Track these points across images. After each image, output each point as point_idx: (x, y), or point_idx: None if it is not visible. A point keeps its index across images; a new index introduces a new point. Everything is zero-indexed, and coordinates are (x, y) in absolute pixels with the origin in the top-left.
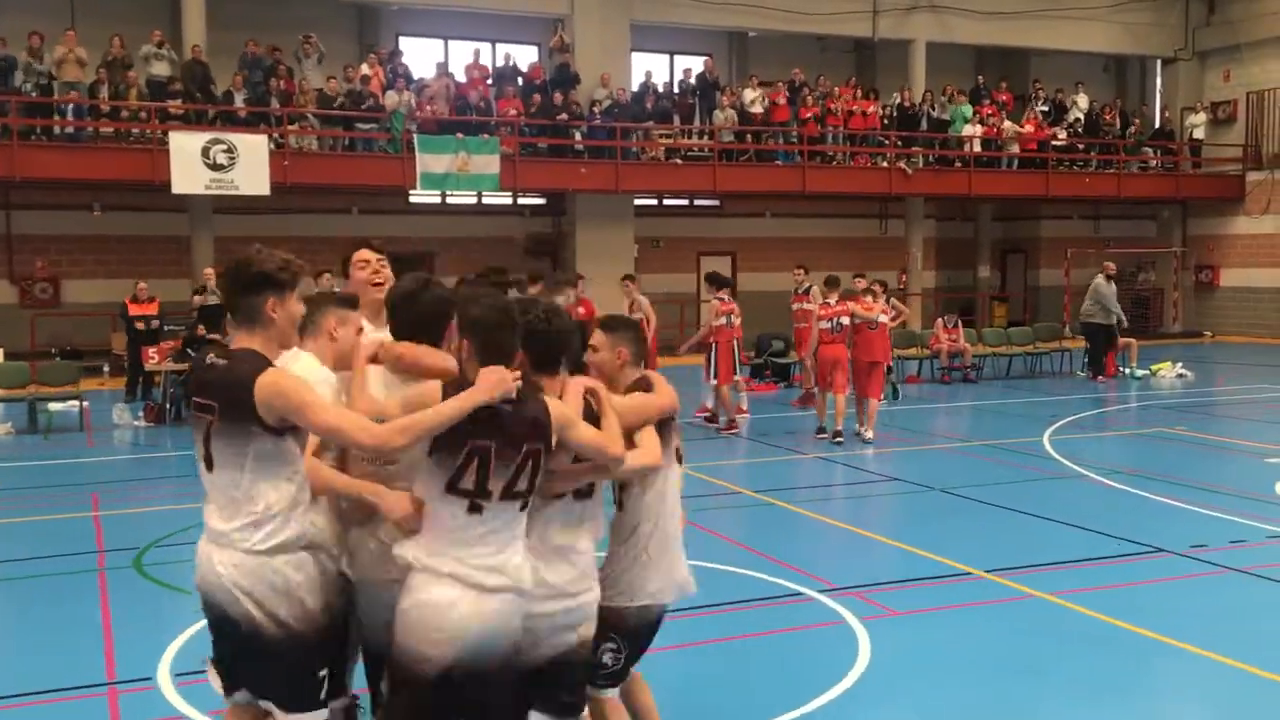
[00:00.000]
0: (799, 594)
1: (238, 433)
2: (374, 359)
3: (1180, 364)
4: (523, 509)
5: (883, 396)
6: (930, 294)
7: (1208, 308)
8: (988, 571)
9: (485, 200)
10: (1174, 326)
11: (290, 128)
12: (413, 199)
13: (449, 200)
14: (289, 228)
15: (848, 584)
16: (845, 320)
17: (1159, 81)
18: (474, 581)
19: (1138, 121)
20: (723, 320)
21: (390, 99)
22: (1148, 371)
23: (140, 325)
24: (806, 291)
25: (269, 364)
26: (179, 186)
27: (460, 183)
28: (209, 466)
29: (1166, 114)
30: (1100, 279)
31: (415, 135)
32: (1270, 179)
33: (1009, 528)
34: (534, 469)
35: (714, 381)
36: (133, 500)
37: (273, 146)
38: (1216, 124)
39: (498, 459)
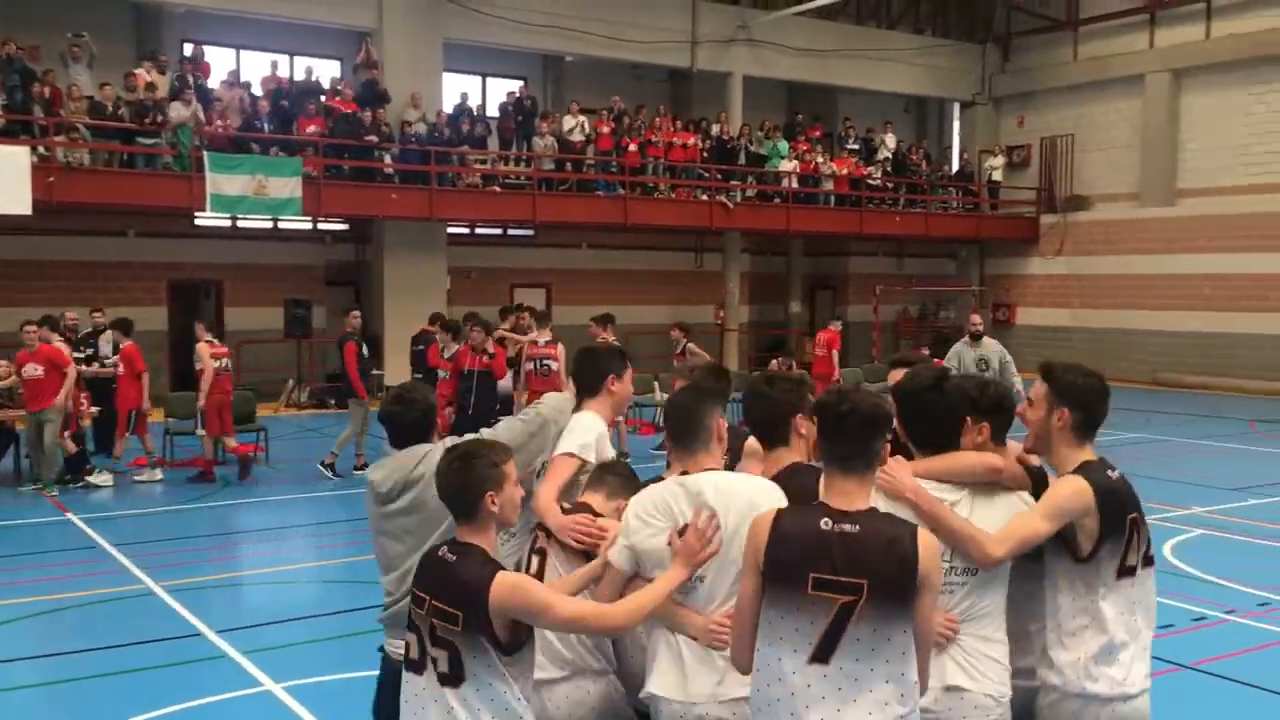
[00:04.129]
0: None
1: None
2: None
3: None
4: None
5: None
6: (744, 330)
7: (1005, 345)
8: None
9: (281, 225)
10: None
11: (57, 139)
12: (199, 221)
13: (240, 224)
14: (58, 251)
15: None
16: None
17: (956, 124)
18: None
19: (954, 165)
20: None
21: (176, 111)
22: None
23: None
24: (683, 350)
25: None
26: None
27: (257, 207)
28: None
29: (965, 156)
30: (961, 344)
31: (205, 153)
32: (1063, 222)
33: None
34: None
35: None
36: None
37: (35, 159)
38: (1012, 167)
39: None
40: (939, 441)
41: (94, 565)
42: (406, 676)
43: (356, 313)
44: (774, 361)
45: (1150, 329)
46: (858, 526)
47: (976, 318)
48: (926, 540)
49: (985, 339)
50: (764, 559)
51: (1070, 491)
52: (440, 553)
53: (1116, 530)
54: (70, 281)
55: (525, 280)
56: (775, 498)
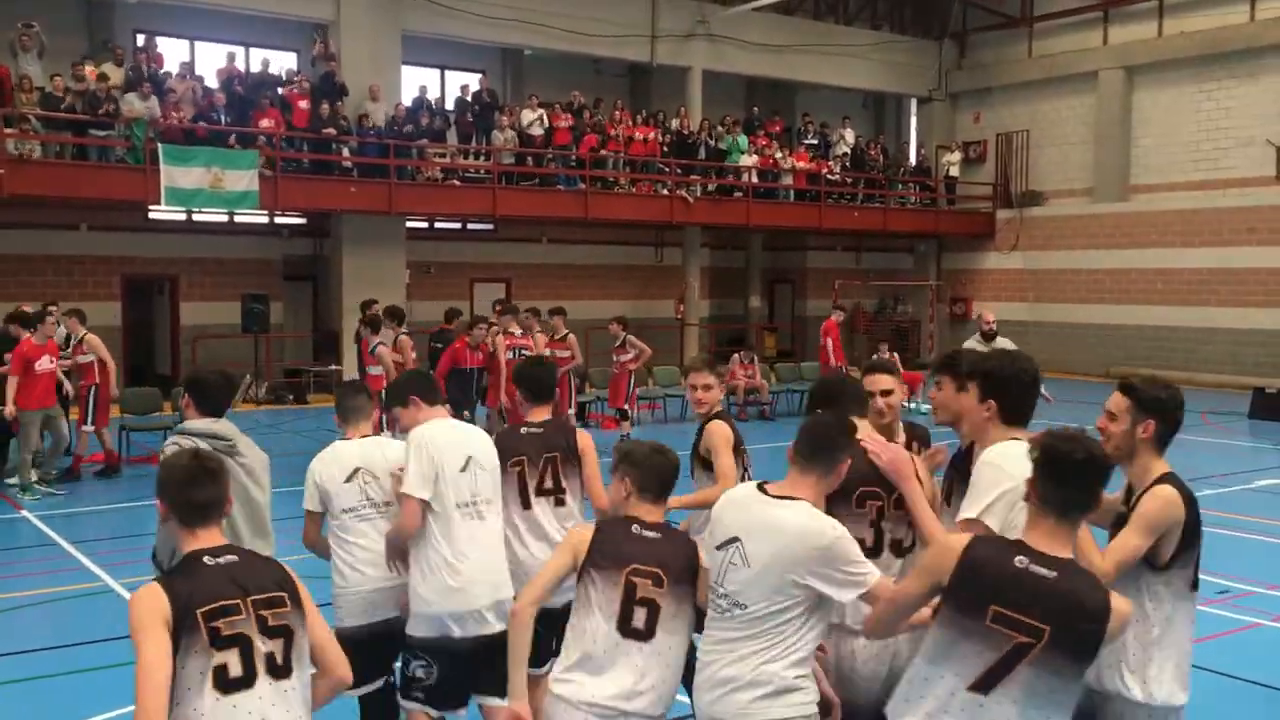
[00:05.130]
0: None
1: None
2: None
3: None
4: None
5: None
6: (705, 324)
7: (962, 339)
8: None
9: (238, 219)
10: (930, 357)
11: (8, 130)
12: (153, 215)
13: (196, 218)
14: (6, 244)
15: None
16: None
17: (913, 120)
18: None
19: (912, 161)
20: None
21: (131, 104)
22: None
23: None
24: (623, 344)
25: None
26: None
27: (213, 200)
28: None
29: (922, 151)
30: (972, 340)
31: (159, 145)
32: (1018, 217)
33: None
34: None
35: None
36: None
37: None
38: (968, 163)
39: None
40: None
41: (53, 563)
42: (231, 700)
43: (378, 304)
44: (736, 355)
45: (1103, 323)
46: (1055, 573)
47: (989, 315)
48: (1120, 607)
49: (1000, 338)
50: (950, 582)
51: (1163, 503)
52: (209, 561)
53: (1194, 542)
54: (20, 276)
55: (485, 275)
56: (819, 538)
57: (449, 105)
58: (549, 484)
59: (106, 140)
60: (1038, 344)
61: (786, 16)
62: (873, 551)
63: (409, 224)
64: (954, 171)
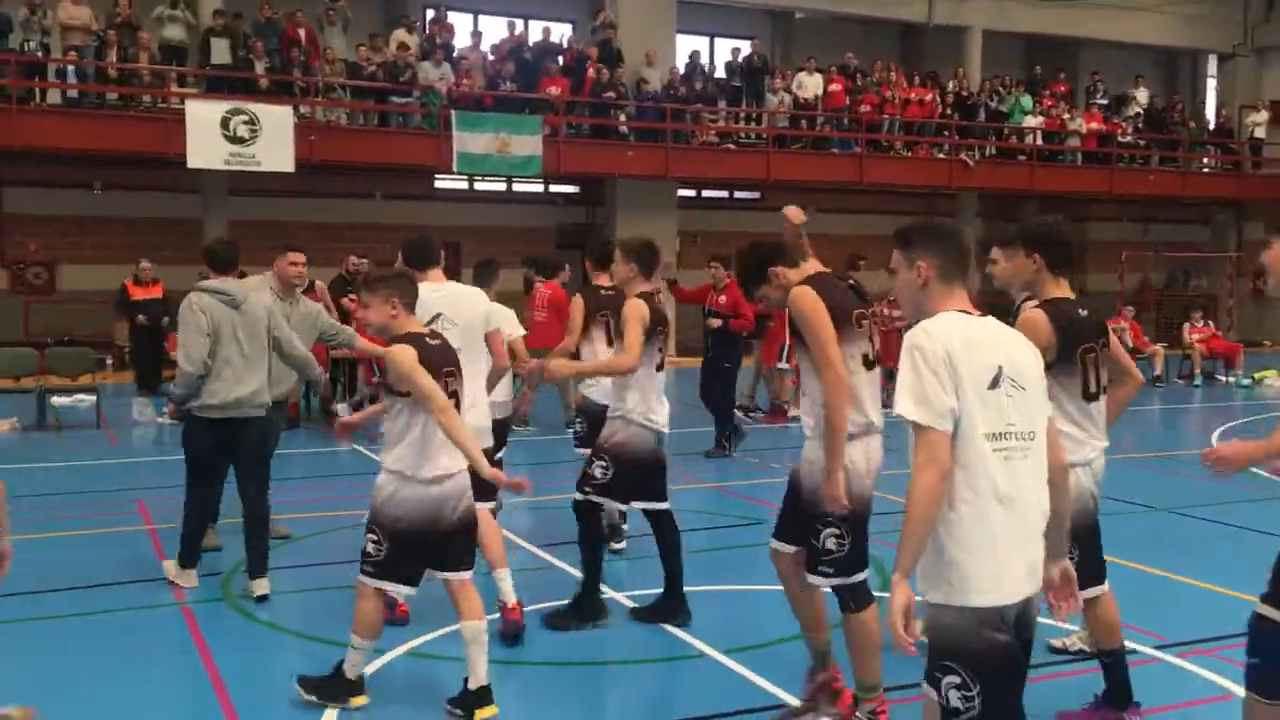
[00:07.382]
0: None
1: None
2: None
3: None
4: None
5: None
6: (976, 296)
7: (1266, 316)
8: None
9: (515, 188)
10: (1229, 335)
11: (317, 99)
12: (438, 184)
13: (477, 187)
14: (308, 212)
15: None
16: None
17: (1212, 78)
18: None
19: (1210, 122)
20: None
21: (427, 71)
22: (1252, 380)
23: (143, 313)
24: (895, 300)
25: None
26: (195, 160)
27: (500, 165)
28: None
29: (1223, 112)
30: None
31: (453, 112)
32: None
33: None
34: None
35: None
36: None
37: (297, 119)
38: (1277, 123)
39: None
40: None
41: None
42: None
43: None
44: None
45: None
46: None
47: None
48: None
49: None
50: None
51: None
52: None
53: None
54: (321, 242)
55: None
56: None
57: (719, 74)
58: None
59: (405, 107)
60: None
61: None
62: (872, 363)
63: (678, 193)
64: (1260, 133)
